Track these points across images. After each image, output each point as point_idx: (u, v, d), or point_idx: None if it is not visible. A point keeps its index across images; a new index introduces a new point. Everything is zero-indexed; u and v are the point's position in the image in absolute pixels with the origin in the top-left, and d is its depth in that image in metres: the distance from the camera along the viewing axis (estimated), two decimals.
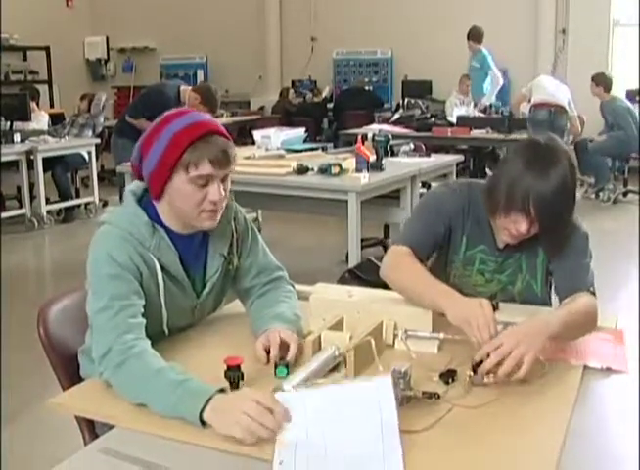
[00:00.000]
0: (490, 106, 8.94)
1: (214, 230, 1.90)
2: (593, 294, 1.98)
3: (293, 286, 2.07)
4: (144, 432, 1.46)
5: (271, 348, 1.72)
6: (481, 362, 1.62)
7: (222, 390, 1.49)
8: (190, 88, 6.14)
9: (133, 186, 1.88)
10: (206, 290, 1.92)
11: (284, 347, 1.73)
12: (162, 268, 1.81)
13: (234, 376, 1.56)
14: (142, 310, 1.74)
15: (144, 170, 1.81)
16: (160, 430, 1.45)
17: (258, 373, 1.66)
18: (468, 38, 8.90)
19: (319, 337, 1.73)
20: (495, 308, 2.01)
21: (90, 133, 8.03)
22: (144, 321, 1.72)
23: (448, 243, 2.17)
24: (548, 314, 1.78)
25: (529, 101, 8.31)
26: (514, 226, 1.97)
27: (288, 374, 1.62)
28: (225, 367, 1.57)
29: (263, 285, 2.02)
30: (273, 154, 5.33)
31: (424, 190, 6.61)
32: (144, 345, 1.67)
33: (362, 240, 4.65)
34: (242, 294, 2.05)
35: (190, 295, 1.89)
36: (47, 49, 12.24)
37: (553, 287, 2.10)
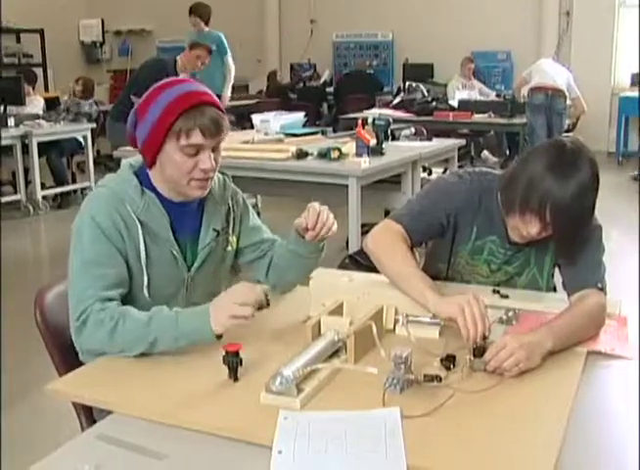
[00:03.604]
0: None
1: (209, 204, 1.96)
2: (602, 290, 1.95)
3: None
4: (141, 418, 1.46)
5: (309, 219, 1.85)
6: (481, 346, 1.64)
7: None
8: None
9: (132, 159, 1.94)
10: (197, 263, 1.94)
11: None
12: (151, 232, 1.86)
13: (233, 362, 1.56)
14: (120, 276, 1.80)
15: (138, 137, 1.86)
16: (157, 416, 1.46)
17: (257, 359, 1.67)
18: (190, 13, 7.53)
19: (319, 322, 1.74)
20: (501, 297, 2.01)
21: (85, 119, 8.01)
22: (121, 289, 1.79)
23: (454, 235, 2.15)
24: (553, 326, 1.74)
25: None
26: (525, 228, 1.95)
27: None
28: (224, 353, 1.57)
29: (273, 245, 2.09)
30: (272, 138, 5.32)
31: (425, 175, 6.63)
32: (122, 307, 1.76)
33: (362, 225, 4.65)
34: (265, 268, 2.08)
35: (181, 266, 1.92)
36: (41, 32, 12.15)
37: (561, 281, 2.07)
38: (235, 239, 2.03)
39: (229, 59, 7.56)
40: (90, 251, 1.78)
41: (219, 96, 7.41)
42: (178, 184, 1.85)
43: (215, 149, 1.85)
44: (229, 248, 2.02)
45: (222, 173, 2.03)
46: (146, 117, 1.82)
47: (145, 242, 1.85)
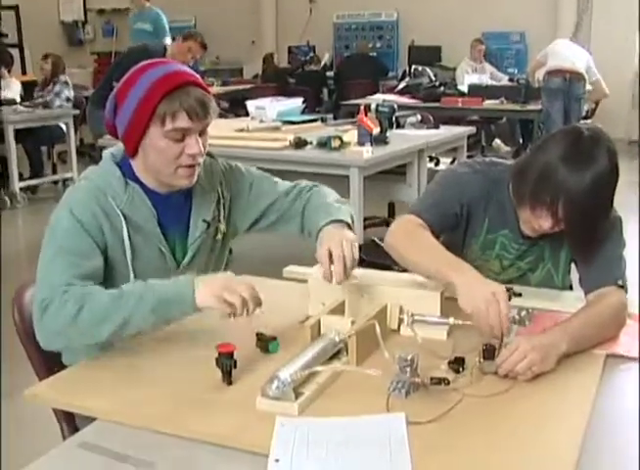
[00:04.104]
0: None
1: (197, 194, 1.97)
2: (622, 287, 1.94)
3: (312, 188, 2.14)
4: (128, 425, 1.47)
5: (335, 264, 1.80)
6: (491, 347, 1.64)
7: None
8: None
9: (113, 149, 1.94)
10: (187, 259, 1.95)
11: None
12: (136, 226, 1.87)
13: (226, 364, 1.57)
14: (96, 269, 1.80)
15: (118, 124, 1.86)
16: (145, 422, 1.46)
17: (253, 361, 1.68)
18: None
19: (318, 322, 1.74)
20: (514, 296, 2.02)
21: (63, 103, 7.95)
22: (96, 282, 1.79)
23: (466, 227, 2.16)
24: (568, 326, 1.74)
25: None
26: (537, 221, 1.95)
27: (279, 348, 1.71)
28: (217, 354, 1.57)
29: (292, 203, 2.10)
30: (268, 126, 5.33)
31: (432, 165, 6.64)
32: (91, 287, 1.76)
33: (365, 219, 4.67)
34: (297, 227, 2.11)
35: (170, 261, 1.93)
36: (16, 8, 11.94)
37: (578, 278, 2.08)
38: (224, 226, 2.04)
39: (167, 41, 7.21)
40: (65, 241, 1.79)
41: None
42: (164, 173, 1.86)
43: (202, 133, 1.85)
44: (218, 236, 2.03)
45: (208, 155, 2.01)
46: (126, 101, 1.82)
47: (130, 236, 1.86)
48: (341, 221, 1.93)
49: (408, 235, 1.98)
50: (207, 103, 1.82)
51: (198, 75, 1.85)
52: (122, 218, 1.85)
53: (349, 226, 1.93)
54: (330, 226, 1.91)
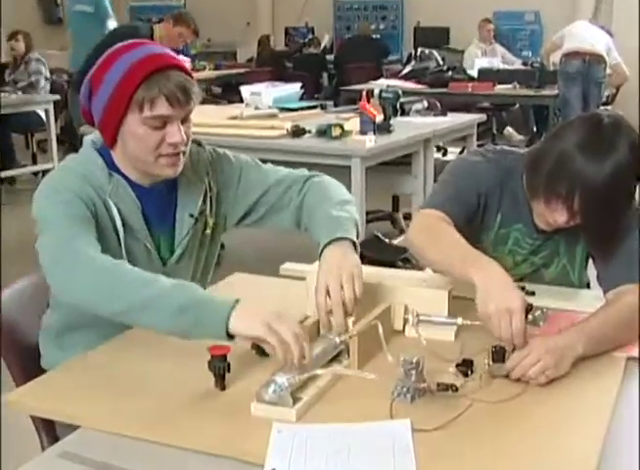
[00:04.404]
0: None
1: (183, 186, 1.96)
2: None
3: (310, 178, 2.10)
4: (112, 433, 1.47)
5: (334, 313, 1.72)
6: (501, 349, 1.64)
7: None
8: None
9: (93, 136, 1.94)
10: (175, 257, 1.96)
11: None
12: (121, 220, 1.86)
13: (219, 367, 1.57)
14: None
15: (94, 111, 1.86)
16: (131, 431, 1.46)
17: (248, 364, 1.68)
18: None
19: (317, 322, 1.75)
20: (527, 294, 2.02)
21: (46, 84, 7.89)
22: None
23: (481, 221, 2.16)
24: (585, 327, 1.74)
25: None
26: (552, 215, 1.95)
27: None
28: (209, 357, 1.58)
29: (288, 198, 2.06)
30: (264, 113, 5.32)
31: (439, 155, 6.63)
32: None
33: (367, 213, 4.68)
34: (291, 221, 2.08)
35: (155, 260, 1.92)
36: None
37: (596, 275, 2.07)
38: (212, 221, 2.03)
39: (111, 25, 7.07)
40: (67, 209, 1.77)
41: None
42: (145, 162, 1.86)
43: (185, 120, 1.84)
44: (207, 231, 2.03)
45: (194, 142, 2.01)
46: (101, 87, 1.81)
47: (115, 230, 1.86)
48: (345, 239, 1.85)
49: (428, 230, 1.97)
50: (189, 88, 1.81)
51: (179, 58, 1.85)
52: (114, 207, 1.85)
53: (354, 244, 1.86)
54: (331, 250, 1.82)
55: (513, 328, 1.64)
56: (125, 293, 1.63)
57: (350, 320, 1.73)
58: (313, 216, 1.97)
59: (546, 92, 8.09)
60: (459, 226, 1.99)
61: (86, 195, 1.81)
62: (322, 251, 1.82)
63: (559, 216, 1.93)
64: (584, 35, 7.97)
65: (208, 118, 4.84)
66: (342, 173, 4.44)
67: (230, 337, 1.58)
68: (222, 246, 2.20)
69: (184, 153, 1.88)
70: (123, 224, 1.87)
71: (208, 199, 2.02)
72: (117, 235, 1.86)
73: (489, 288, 1.70)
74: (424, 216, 2.04)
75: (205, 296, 1.64)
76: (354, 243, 1.85)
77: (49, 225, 1.76)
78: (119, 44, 1.85)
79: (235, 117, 5.14)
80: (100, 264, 1.68)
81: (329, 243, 1.83)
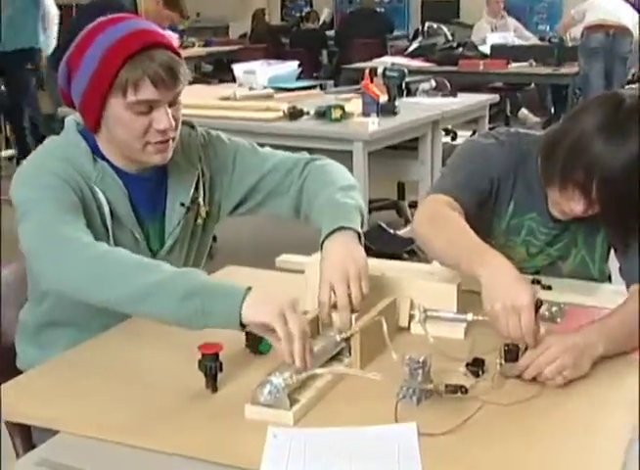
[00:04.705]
0: None
1: (173, 173, 1.96)
2: None
3: (310, 161, 2.10)
4: (94, 438, 1.46)
5: (339, 313, 1.72)
6: (514, 347, 1.64)
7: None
8: None
9: (76, 117, 1.93)
10: (165, 249, 1.96)
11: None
12: (108, 209, 1.86)
13: (211, 367, 1.57)
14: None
15: (74, 94, 1.85)
16: (115, 435, 1.46)
17: (241, 363, 1.69)
18: None
19: (317, 318, 1.75)
20: (542, 289, 2.02)
21: None
22: None
23: (493, 208, 2.16)
24: (605, 324, 1.74)
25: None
26: (567, 204, 1.95)
27: (271, 348, 1.66)
28: (200, 356, 1.58)
29: (288, 184, 2.06)
30: (259, 94, 5.33)
31: (448, 139, 6.63)
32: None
33: (370, 202, 4.68)
34: (289, 208, 2.08)
35: (143, 252, 1.91)
36: None
37: (618, 268, 2.07)
38: (205, 209, 2.03)
39: None
40: (54, 193, 1.76)
41: (35, 52, 7.10)
42: (131, 150, 1.85)
43: (173, 103, 1.83)
44: (199, 220, 2.03)
45: (186, 124, 2.01)
46: (81, 67, 1.80)
47: (102, 219, 1.86)
48: (349, 228, 1.84)
49: (434, 218, 1.96)
50: (176, 68, 1.80)
51: (165, 34, 1.83)
52: (101, 194, 1.85)
53: (359, 234, 1.86)
54: (333, 241, 1.81)
55: (522, 327, 1.63)
56: (125, 279, 1.62)
57: (353, 316, 1.73)
58: (314, 203, 1.97)
59: (565, 70, 8.08)
60: (469, 213, 1.99)
61: (72, 179, 1.81)
62: (324, 241, 1.82)
63: (575, 205, 1.93)
64: (608, 7, 7.92)
65: (197, 99, 4.82)
66: (342, 159, 4.42)
67: (242, 326, 1.56)
68: (214, 238, 2.20)
69: (174, 138, 1.87)
70: (110, 213, 1.87)
71: (201, 186, 2.01)
72: (104, 224, 1.86)
73: (495, 284, 1.69)
74: (430, 203, 2.03)
75: (214, 281, 1.63)
76: (359, 233, 1.85)
77: (33, 210, 1.75)
78: (100, 19, 1.84)
79: (227, 98, 5.13)
80: (95, 250, 1.68)
81: (331, 232, 1.82)
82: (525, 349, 1.65)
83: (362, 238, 1.85)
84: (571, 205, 1.95)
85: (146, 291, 1.59)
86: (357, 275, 1.73)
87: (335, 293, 1.72)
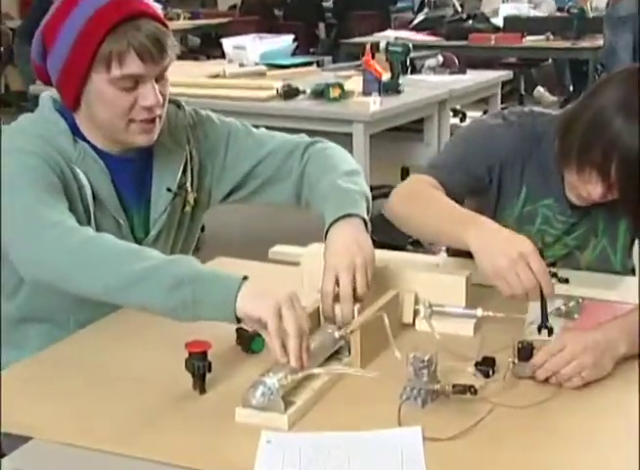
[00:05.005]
0: None
1: (159, 156, 1.96)
2: None
3: (311, 144, 2.11)
4: (71, 445, 1.46)
5: (342, 305, 1.73)
6: (529, 345, 1.64)
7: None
8: None
9: (52, 93, 1.93)
10: (150, 237, 1.96)
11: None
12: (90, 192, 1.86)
13: (199, 367, 1.57)
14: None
15: (50, 68, 1.85)
16: (93, 442, 1.45)
17: (231, 362, 1.70)
18: None
19: (317, 311, 1.76)
20: (559, 282, 2.03)
21: None
22: None
23: (497, 196, 2.17)
24: (627, 321, 1.73)
25: None
26: (585, 187, 1.96)
27: (264, 346, 1.67)
28: (187, 355, 1.58)
29: (287, 170, 2.07)
30: (250, 71, 5.32)
31: (456, 120, 6.63)
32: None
33: (372, 188, 4.63)
34: (290, 195, 2.09)
35: (127, 238, 1.90)
36: None
37: None
38: (194, 196, 2.04)
39: None
40: (35, 173, 1.76)
41: None
42: (114, 129, 1.86)
43: (160, 78, 1.84)
44: (187, 208, 2.04)
45: (172, 102, 2.01)
46: (58, 40, 1.80)
47: (84, 202, 1.86)
48: (355, 215, 1.86)
49: (412, 196, 2.00)
50: (164, 39, 1.80)
51: (150, 2, 1.83)
52: (83, 175, 1.85)
53: (365, 222, 1.88)
54: (339, 229, 1.83)
55: (535, 272, 1.66)
56: (112, 266, 1.63)
57: (356, 307, 1.75)
58: (317, 188, 1.98)
59: (585, 44, 8.03)
60: (454, 195, 2.01)
61: (51, 158, 1.81)
62: (329, 229, 1.84)
63: (593, 189, 1.94)
64: None
65: (183, 77, 4.82)
66: (341, 141, 4.41)
67: (237, 318, 1.57)
68: (202, 227, 2.20)
69: (160, 117, 1.87)
70: (93, 196, 1.87)
71: (189, 170, 2.02)
72: (86, 208, 1.86)
73: (489, 243, 1.73)
74: (409, 182, 2.08)
75: (207, 269, 1.64)
76: (365, 221, 1.87)
77: (9, 192, 1.74)
78: None
79: (215, 76, 5.14)
80: (80, 235, 1.69)
81: (337, 220, 1.84)
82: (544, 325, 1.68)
83: (369, 225, 1.87)
84: (588, 188, 1.95)
85: (134, 278, 1.60)
86: (364, 264, 1.75)
87: (338, 283, 1.73)
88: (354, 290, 1.73)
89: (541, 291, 1.70)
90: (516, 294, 1.70)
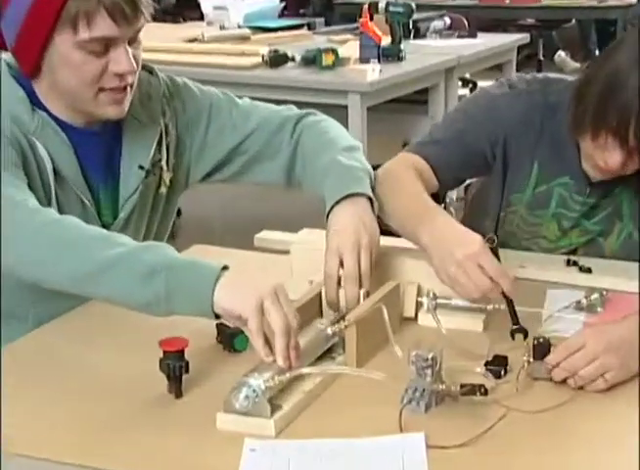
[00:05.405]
0: None
1: (130, 129, 1.97)
2: None
3: (302, 118, 2.13)
4: (36, 458, 1.45)
5: (346, 287, 1.77)
6: (546, 342, 1.65)
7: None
8: None
9: (7, 57, 1.92)
10: (119, 221, 1.97)
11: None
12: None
13: (174, 367, 1.58)
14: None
15: (5, 30, 1.84)
16: (59, 454, 1.45)
17: (211, 362, 1.71)
18: None
19: (304, 307, 1.75)
20: (580, 271, 2.05)
21: None
22: None
23: (504, 176, 2.18)
24: None
25: None
26: (602, 155, 1.96)
27: (248, 345, 1.67)
28: (161, 354, 1.59)
29: (277, 144, 2.08)
30: (232, 35, 5.32)
31: (466, 91, 6.61)
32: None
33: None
34: (280, 174, 2.11)
35: (93, 221, 1.91)
36: None
37: None
38: (170, 175, 2.04)
39: None
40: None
41: None
42: (81, 99, 1.85)
43: (133, 41, 1.84)
44: (162, 189, 2.05)
45: (144, 69, 2.01)
46: None
47: (43, 179, 1.86)
48: (361, 195, 1.88)
49: (390, 179, 2.03)
50: None
51: None
52: (42, 147, 1.84)
53: (372, 201, 1.90)
54: (344, 210, 1.85)
55: (487, 271, 1.69)
56: (77, 252, 1.63)
57: (362, 291, 1.76)
58: (313, 166, 2.00)
59: (613, 1, 8.02)
60: (447, 179, 2.08)
61: (7, 129, 1.81)
62: (331, 210, 1.86)
63: (610, 157, 1.94)
64: None
65: (156, 41, 4.81)
66: (335, 115, 4.41)
67: (215, 314, 1.57)
68: (178, 212, 2.20)
69: (132, 86, 1.87)
70: (54, 172, 1.87)
71: (164, 146, 2.02)
72: (45, 186, 1.86)
73: (439, 246, 1.77)
74: (394, 162, 2.11)
75: (183, 257, 1.64)
76: (372, 200, 1.89)
77: None
78: None
79: (193, 40, 5.13)
80: (44, 217, 1.68)
81: (340, 200, 1.86)
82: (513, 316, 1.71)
83: (376, 205, 1.89)
84: (605, 156, 1.96)
85: (102, 266, 1.60)
86: (369, 245, 1.79)
87: (342, 265, 1.76)
88: (360, 274, 1.76)
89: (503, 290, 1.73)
90: (474, 296, 1.73)
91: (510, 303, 1.73)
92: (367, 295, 1.77)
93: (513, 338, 1.72)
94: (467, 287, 1.71)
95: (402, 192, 1.98)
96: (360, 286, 1.76)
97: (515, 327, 1.74)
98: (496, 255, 1.75)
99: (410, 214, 1.88)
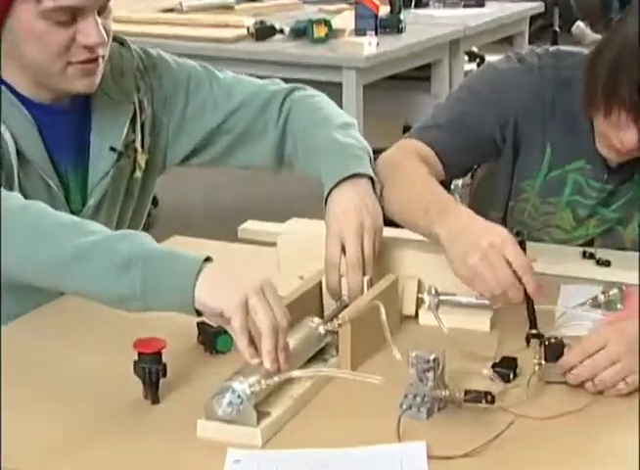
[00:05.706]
0: None
1: (101, 107, 1.97)
2: None
3: (291, 92, 2.14)
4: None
5: (349, 274, 1.78)
6: (559, 342, 1.66)
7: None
8: None
9: None
10: (89, 207, 1.96)
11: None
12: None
13: (151, 371, 1.58)
14: None
15: None
16: (28, 466, 1.46)
17: (191, 364, 1.72)
18: None
19: (294, 303, 1.75)
20: (597, 265, 2.06)
21: None
22: None
23: (514, 159, 2.19)
24: None
25: None
26: (616, 133, 1.97)
27: (232, 345, 1.68)
28: (136, 356, 1.59)
29: (272, 123, 2.09)
30: (214, 4, 5.31)
31: (473, 66, 6.61)
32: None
33: None
34: (269, 155, 2.11)
35: (61, 207, 1.90)
36: None
37: None
38: (145, 157, 2.04)
39: None
40: None
41: None
42: (47, 73, 1.85)
43: (102, 10, 1.83)
44: (136, 173, 2.05)
45: (115, 40, 2.01)
46: None
47: (5, 160, 1.85)
48: (362, 175, 1.90)
49: (391, 168, 2.03)
50: None
51: None
52: (3, 126, 1.84)
53: (373, 181, 1.92)
54: (345, 192, 1.86)
55: (512, 263, 1.69)
56: (45, 241, 1.62)
57: (366, 279, 1.78)
58: (307, 144, 2.01)
59: None
60: (453, 163, 2.08)
61: None
62: (330, 192, 1.87)
63: (625, 134, 1.95)
64: None
65: (128, 11, 4.82)
66: (328, 93, 4.42)
67: (196, 310, 1.57)
68: (154, 201, 2.20)
69: (103, 57, 1.87)
70: (17, 153, 1.87)
71: (139, 125, 2.02)
72: (7, 168, 1.86)
73: (457, 235, 1.77)
74: (394, 149, 2.12)
75: (162, 248, 1.63)
76: (373, 180, 1.91)
77: None
78: None
79: (170, 10, 5.13)
80: (9, 203, 1.67)
81: (340, 182, 1.87)
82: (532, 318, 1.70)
83: (378, 186, 1.91)
84: (619, 134, 1.97)
85: (72, 257, 1.59)
86: (373, 228, 1.81)
87: (344, 251, 1.77)
88: (364, 260, 1.78)
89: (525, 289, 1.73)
90: (494, 292, 1.72)
91: (530, 303, 1.72)
92: (370, 283, 1.78)
93: (528, 344, 1.71)
94: (488, 280, 1.70)
95: (410, 182, 1.98)
96: (364, 273, 1.77)
97: (532, 332, 1.73)
98: (524, 250, 1.75)
99: (422, 209, 1.86)
